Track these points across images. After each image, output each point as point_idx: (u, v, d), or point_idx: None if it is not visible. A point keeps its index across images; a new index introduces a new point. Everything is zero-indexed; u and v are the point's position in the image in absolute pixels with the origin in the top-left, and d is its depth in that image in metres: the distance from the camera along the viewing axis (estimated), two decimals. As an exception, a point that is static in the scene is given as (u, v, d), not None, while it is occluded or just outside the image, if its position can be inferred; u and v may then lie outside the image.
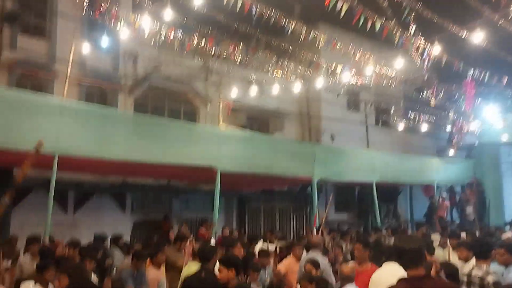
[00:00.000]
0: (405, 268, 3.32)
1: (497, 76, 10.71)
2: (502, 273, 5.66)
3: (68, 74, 9.79)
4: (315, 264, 5.93)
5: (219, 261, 4.58)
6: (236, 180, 11.19)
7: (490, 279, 4.70)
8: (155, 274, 6.51)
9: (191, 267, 5.49)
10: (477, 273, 4.77)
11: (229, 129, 11.11)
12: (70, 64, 9.74)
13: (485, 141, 17.94)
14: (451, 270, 4.59)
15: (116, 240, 8.96)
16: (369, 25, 7.59)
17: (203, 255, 5.34)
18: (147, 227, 12.99)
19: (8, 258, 7.38)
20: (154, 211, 13.18)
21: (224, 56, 9.23)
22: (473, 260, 5.06)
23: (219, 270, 4.38)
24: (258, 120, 15.74)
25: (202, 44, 8.77)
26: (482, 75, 10.19)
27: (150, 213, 13.16)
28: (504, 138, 17.20)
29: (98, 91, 12.61)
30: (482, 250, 5.03)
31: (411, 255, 3.29)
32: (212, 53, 9.09)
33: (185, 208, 13.85)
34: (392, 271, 3.67)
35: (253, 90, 12.09)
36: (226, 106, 12.27)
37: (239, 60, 9.39)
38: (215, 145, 9.66)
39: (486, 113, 14.65)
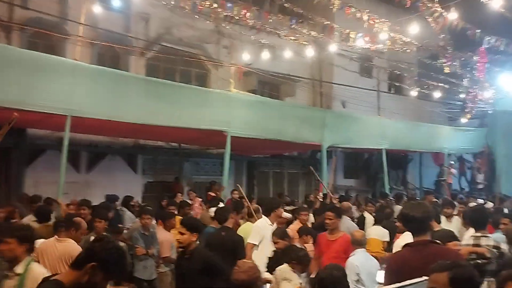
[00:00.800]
0: (413, 235, 3.41)
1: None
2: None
3: (80, 35, 9.78)
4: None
5: (181, 223, 4.70)
6: (246, 144, 11.25)
7: (504, 246, 4.71)
8: (167, 236, 6.67)
9: (247, 226, 6.44)
10: (488, 242, 4.68)
11: (240, 93, 11.07)
12: (82, 24, 9.70)
13: (499, 110, 17.76)
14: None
15: (127, 201, 9.15)
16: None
17: (219, 216, 5.94)
18: (158, 189, 13.24)
19: (21, 216, 7.60)
20: (165, 173, 13.38)
21: (237, 19, 9.09)
22: (471, 230, 5.05)
23: (181, 232, 4.41)
24: (269, 85, 15.65)
25: (215, 7, 8.65)
26: (499, 43, 9.98)
27: (161, 175, 13.37)
28: (519, 107, 17.01)
29: (110, 52, 12.59)
30: (479, 220, 4.97)
31: (417, 222, 3.37)
32: (225, 16, 8.97)
33: (195, 171, 14.04)
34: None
35: (265, 55, 11.97)
36: (237, 70, 12.19)
37: (251, 24, 9.27)
38: (226, 109, 9.68)
39: (502, 81, 14.44)
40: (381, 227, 7.39)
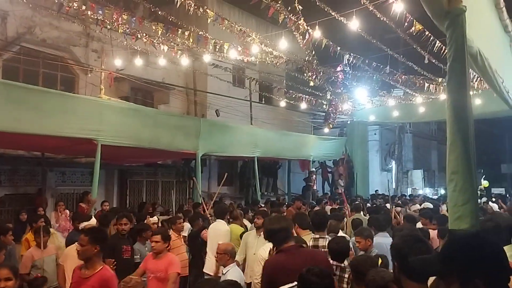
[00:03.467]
0: (277, 245, 3.73)
1: (368, 61, 11.69)
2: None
3: None
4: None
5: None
6: (118, 153, 10.86)
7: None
8: (34, 253, 6.24)
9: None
10: (324, 243, 4.90)
11: (111, 100, 10.64)
12: None
13: (356, 121, 19.64)
14: None
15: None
16: (257, 3, 7.76)
17: (102, 221, 6.55)
18: (18, 202, 12.09)
19: None
20: (26, 184, 12.26)
21: (108, 23, 8.74)
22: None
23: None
24: (142, 92, 15.30)
25: (84, 8, 8.23)
26: (356, 60, 11.04)
27: (21, 187, 12.21)
28: (371, 118, 18.98)
29: (-41, 51, 11.25)
30: (318, 223, 5.23)
31: (282, 232, 3.70)
32: (96, 19, 8.56)
33: (61, 181, 13.10)
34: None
35: (138, 61, 11.67)
36: (108, 75, 11.69)
37: (124, 29, 8.99)
38: (96, 117, 9.25)
39: (358, 95, 15.96)
40: None
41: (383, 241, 5.68)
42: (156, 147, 10.75)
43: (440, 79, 13.48)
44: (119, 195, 14.50)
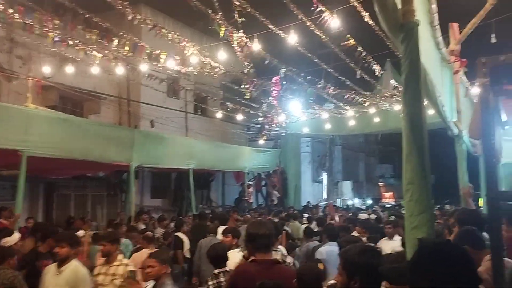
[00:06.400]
0: (256, 252, 3.53)
1: (303, 74, 11.98)
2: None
3: None
4: None
5: None
6: (46, 165, 10.26)
7: (289, 260, 5.19)
8: None
9: None
10: (276, 256, 4.79)
11: (39, 109, 10.05)
12: None
13: (290, 133, 19.98)
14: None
15: None
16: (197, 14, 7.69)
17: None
18: None
19: None
20: None
21: (37, 28, 8.25)
22: None
23: None
24: (71, 101, 14.61)
25: (11, 12, 7.72)
26: (291, 73, 11.27)
27: None
28: (305, 130, 19.40)
29: None
30: None
31: (263, 239, 3.51)
32: (23, 23, 8.05)
33: (-21, 196, 12.15)
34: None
35: (68, 69, 11.12)
36: (35, 83, 11.03)
37: (54, 35, 8.54)
38: (22, 126, 8.69)
39: (292, 107, 16.26)
40: None
41: (335, 249, 5.79)
42: (87, 159, 10.28)
43: (368, 93, 14.08)
44: (45, 210, 13.69)
